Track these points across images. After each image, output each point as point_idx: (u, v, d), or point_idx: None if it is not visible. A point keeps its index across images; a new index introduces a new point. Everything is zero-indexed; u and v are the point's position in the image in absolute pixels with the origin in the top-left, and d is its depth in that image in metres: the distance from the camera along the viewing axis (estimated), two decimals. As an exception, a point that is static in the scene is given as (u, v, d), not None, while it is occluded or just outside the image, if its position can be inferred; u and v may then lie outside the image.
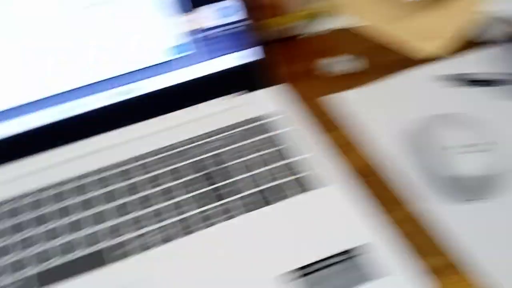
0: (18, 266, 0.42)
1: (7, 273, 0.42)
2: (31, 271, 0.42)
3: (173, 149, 0.49)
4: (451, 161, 0.45)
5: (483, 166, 0.45)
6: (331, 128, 0.53)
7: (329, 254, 0.41)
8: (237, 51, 0.53)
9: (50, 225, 0.45)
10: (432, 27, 0.63)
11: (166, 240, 0.43)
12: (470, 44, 0.60)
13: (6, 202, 0.47)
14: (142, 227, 0.44)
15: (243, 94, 0.54)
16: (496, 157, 0.45)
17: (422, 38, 0.61)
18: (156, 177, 0.47)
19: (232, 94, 0.54)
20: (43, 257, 0.43)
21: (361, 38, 0.62)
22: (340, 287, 0.39)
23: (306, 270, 0.40)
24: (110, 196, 0.46)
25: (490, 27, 0.60)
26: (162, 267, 0.41)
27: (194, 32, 0.51)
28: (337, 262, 0.41)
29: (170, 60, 0.51)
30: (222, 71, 0.53)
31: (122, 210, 0.45)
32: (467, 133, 0.47)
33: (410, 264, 0.40)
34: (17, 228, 0.45)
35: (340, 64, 0.59)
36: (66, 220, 0.45)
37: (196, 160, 0.48)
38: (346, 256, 0.41)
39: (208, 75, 0.53)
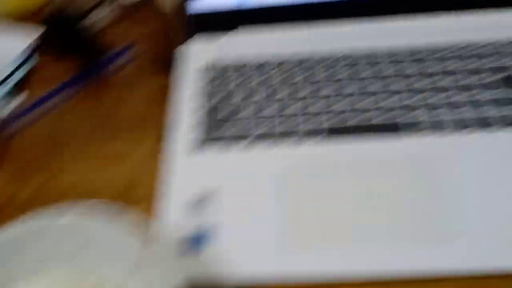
0: (312, 115, 0.46)
1: (301, 121, 0.45)
2: (323, 124, 0.45)
3: (473, 48, 0.49)
4: None
5: None
6: None
7: None
8: None
9: (345, 87, 0.47)
10: None
11: (460, 128, 0.43)
12: None
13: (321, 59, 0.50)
14: (438, 110, 0.44)
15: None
16: None
17: None
18: (452, 70, 0.47)
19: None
20: (337, 113, 0.45)
21: None
22: None
23: None
24: (401, 73, 0.47)
25: None
26: (449, 151, 0.41)
27: None
28: None
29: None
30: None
31: (419, 90, 0.46)
32: None
33: None
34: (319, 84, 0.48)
35: None
36: (359, 87, 0.47)
37: (496, 63, 0.47)
38: None
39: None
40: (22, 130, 0.49)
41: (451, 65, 0.47)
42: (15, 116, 0.50)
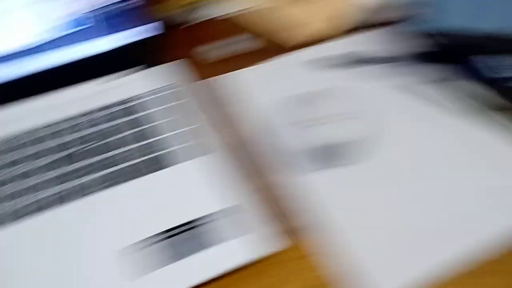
0: None
1: None
2: None
3: (47, 128, 0.52)
4: (304, 134, 0.49)
5: (335, 135, 0.48)
6: (211, 106, 0.55)
7: (174, 225, 0.44)
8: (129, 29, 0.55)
9: None
10: (304, 16, 0.65)
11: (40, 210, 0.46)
12: (345, 31, 0.63)
13: None
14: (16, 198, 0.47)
15: (129, 72, 0.56)
16: (348, 127, 0.49)
17: (293, 26, 0.64)
18: (21, 158, 0.50)
19: (117, 73, 0.56)
20: None
21: (239, 26, 0.65)
22: (181, 254, 0.43)
23: (151, 241, 0.43)
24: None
25: (364, 15, 0.63)
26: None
27: (91, 7, 0.52)
28: (182, 232, 0.44)
29: (67, 34, 0.52)
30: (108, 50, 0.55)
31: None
32: (321, 107, 0.50)
33: (261, 227, 0.44)
34: None
35: (218, 49, 0.62)
36: None
37: (63, 141, 0.51)
38: (190, 226, 0.44)
39: (104, 51, 0.54)
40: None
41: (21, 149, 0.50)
42: None
